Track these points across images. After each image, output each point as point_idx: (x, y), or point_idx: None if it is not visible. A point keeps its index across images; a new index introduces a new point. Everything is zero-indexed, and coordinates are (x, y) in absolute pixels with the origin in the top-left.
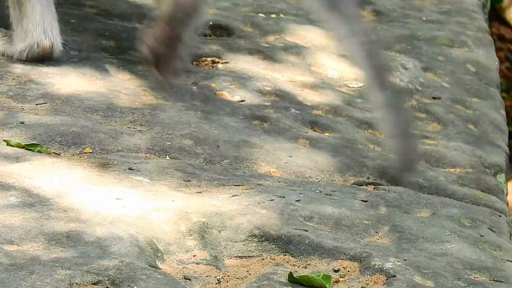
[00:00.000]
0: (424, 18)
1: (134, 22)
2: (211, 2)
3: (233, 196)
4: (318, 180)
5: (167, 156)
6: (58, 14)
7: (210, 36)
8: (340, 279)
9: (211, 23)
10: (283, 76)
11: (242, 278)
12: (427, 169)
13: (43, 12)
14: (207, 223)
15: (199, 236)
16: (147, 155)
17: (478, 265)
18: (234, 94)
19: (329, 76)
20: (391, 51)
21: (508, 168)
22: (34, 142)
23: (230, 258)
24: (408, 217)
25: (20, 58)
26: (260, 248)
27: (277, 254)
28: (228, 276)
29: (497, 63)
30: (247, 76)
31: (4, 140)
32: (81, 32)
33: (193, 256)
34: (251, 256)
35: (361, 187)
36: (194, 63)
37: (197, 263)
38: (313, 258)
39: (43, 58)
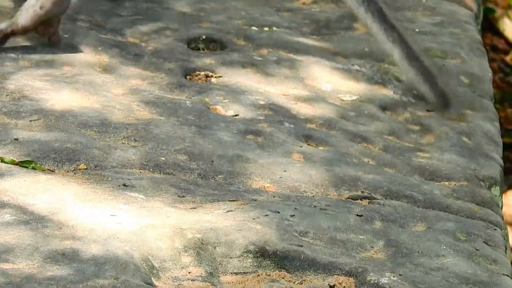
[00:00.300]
0: (417, 30)
1: (126, 36)
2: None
3: (228, 211)
4: (312, 194)
5: (161, 171)
6: None
7: (203, 49)
8: None
9: (204, 37)
10: (276, 90)
11: None
12: (421, 182)
13: None
14: (202, 239)
15: (194, 253)
16: (142, 171)
17: (474, 279)
18: (227, 109)
19: (322, 89)
20: (384, 63)
21: (503, 180)
22: (28, 159)
23: (226, 275)
24: (403, 231)
25: None
26: (256, 264)
27: (272, 270)
28: None
29: (490, 74)
30: (241, 90)
31: None
32: (74, 47)
33: (189, 272)
34: (247, 272)
35: (356, 201)
36: (188, 77)
37: (192, 280)
38: (309, 273)
39: None
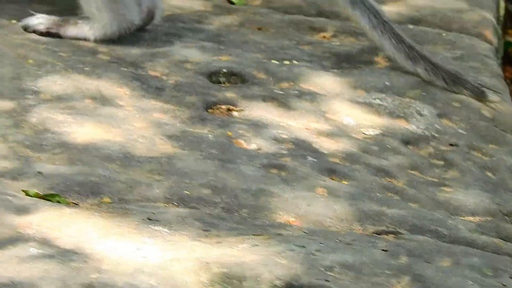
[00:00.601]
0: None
1: (147, 70)
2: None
3: (253, 246)
4: (337, 229)
5: (185, 205)
6: (71, 62)
7: (224, 83)
8: None
9: (224, 70)
10: (298, 124)
11: None
12: (446, 217)
13: None
14: (228, 274)
15: (220, 287)
16: (166, 204)
17: None
18: (250, 142)
19: (344, 123)
20: (405, 97)
21: None
22: (52, 192)
23: None
24: (429, 266)
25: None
26: None
27: None
28: None
29: None
30: (263, 123)
31: (23, 190)
32: (94, 80)
33: None
34: None
35: (381, 236)
36: (209, 110)
37: None
38: None
39: None
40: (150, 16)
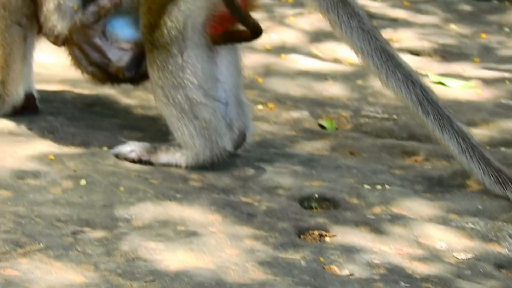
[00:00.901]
0: None
1: (239, 196)
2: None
3: None
4: None
5: None
6: (163, 189)
7: (316, 208)
8: None
9: (316, 196)
10: (391, 249)
11: None
12: None
13: None
14: None
15: None
16: None
17: None
18: (342, 268)
19: (437, 248)
20: (497, 220)
21: None
22: None
23: None
24: None
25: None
26: None
27: None
28: None
29: None
30: (355, 249)
31: None
32: (186, 206)
33: None
34: None
35: None
36: (301, 236)
37: None
38: None
39: None
40: (242, 138)
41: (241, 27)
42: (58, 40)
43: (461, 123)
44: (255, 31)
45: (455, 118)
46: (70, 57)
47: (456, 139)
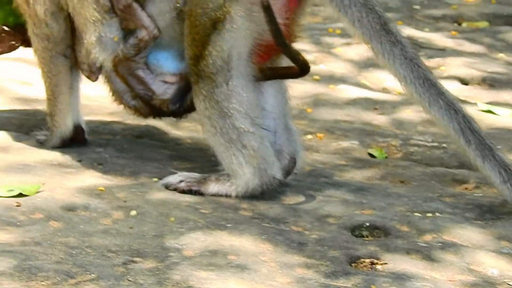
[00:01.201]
0: None
1: (289, 225)
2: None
3: None
4: None
5: None
6: (213, 219)
7: (367, 237)
8: None
9: (367, 224)
10: (442, 276)
11: None
12: None
13: None
14: None
15: None
16: None
17: None
18: None
19: (489, 275)
20: None
21: None
22: None
23: None
24: None
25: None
26: None
27: None
28: None
29: None
30: (407, 276)
31: None
32: (237, 236)
33: None
34: None
35: None
36: (353, 264)
37: None
38: None
39: None
40: (292, 163)
41: (289, 63)
42: (92, 75)
43: (502, 154)
44: (303, 68)
45: (496, 148)
46: (110, 91)
47: (498, 169)
